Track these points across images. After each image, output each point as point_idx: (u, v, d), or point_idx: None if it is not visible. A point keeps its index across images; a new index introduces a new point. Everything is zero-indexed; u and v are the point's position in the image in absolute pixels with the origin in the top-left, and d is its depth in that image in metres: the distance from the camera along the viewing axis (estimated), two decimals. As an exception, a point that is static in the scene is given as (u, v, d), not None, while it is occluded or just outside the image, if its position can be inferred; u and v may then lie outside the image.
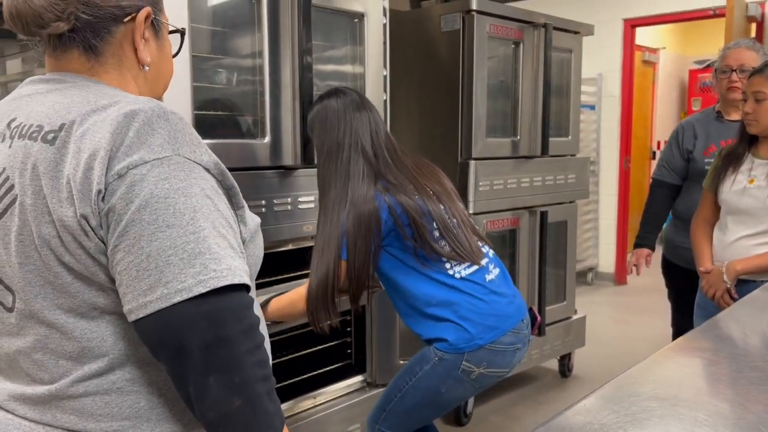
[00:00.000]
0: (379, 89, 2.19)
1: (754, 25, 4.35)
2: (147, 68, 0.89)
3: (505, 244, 2.87)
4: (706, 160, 2.39)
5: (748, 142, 2.01)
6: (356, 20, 2.12)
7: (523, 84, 2.79)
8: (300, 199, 1.92)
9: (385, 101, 2.24)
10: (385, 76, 2.23)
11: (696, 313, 2.10)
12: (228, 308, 0.76)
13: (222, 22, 1.83)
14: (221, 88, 1.86)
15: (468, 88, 2.57)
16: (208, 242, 0.75)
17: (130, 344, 0.81)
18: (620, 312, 4.59)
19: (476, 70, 2.55)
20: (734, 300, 1.85)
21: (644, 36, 5.97)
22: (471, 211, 2.60)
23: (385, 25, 2.21)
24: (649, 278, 2.66)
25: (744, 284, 1.90)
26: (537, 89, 2.83)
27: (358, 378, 2.26)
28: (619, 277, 5.32)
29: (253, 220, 0.90)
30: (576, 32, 3.05)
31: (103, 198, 0.74)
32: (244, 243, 0.85)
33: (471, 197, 2.60)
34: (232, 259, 0.77)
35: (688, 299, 2.20)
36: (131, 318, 0.76)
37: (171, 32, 0.95)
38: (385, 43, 2.22)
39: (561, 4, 4.24)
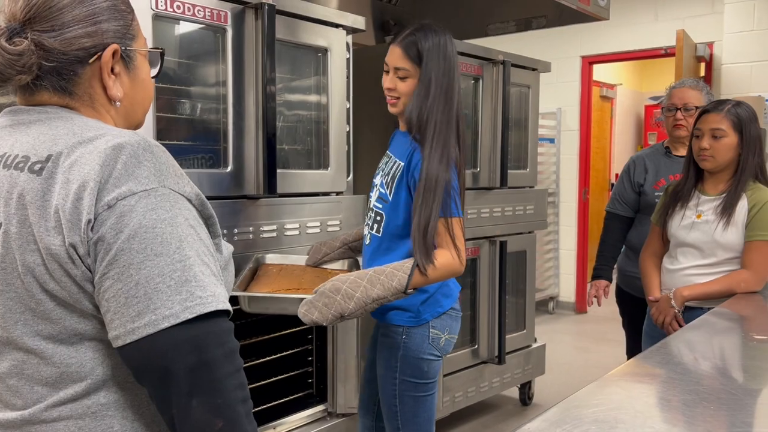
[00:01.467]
0: (342, 121, 2.24)
1: (703, 65, 4.57)
2: (118, 104, 0.90)
3: (466, 273, 2.91)
4: (656, 194, 2.49)
5: (694, 178, 2.11)
6: (320, 54, 2.18)
7: (483, 118, 2.88)
8: (262, 229, 1.94)
9: (348, 132, 2.29)
10: (348, 109, 2.28)
11: (644, 340, 2.17)
12: (212, 333, 0.79)
13: (187, 53, 1.87)
14: (184, 117, 1.89)
15: (429, 121, 2.64)
16: (194, 270, 0.79)
17: (109, 369, 0.83)
18: (581, 340, 4.67)
19: (437, 104, 2.62)
20: (681, 327, 1.92)
21: (602, 73, 6.20)
22: (432, 241, 2.64)
23: (348, 59, 2.27)
24: (609, 307, 2.73)
25: (690, 311, 1.97)
26: (496, 123, 2.91)
27: (320, 408, 2.26)
28: (580, 305, 5.42)
29: (227, 248, 0.93)
30: (533, 69, 3.16)
31: (92, 227, 0.77)
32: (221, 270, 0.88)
33: (432, 227, 2.64)
34: (215, 286, 0.81)
35: (640, 327, 2.27)
36: (118, 343, 0.78)
37: (150, 51, 0.95)
38: (348, 76, 2.28)
39: (522, 42, 4.39)
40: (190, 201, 0.83)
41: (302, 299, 1.46)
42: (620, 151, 6.86)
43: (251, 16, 1.92)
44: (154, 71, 0.96)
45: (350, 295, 1.43)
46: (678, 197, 2.10)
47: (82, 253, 0.77)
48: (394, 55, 1.61)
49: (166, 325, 0.76)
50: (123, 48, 0.88)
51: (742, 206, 1.97)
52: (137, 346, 0.77)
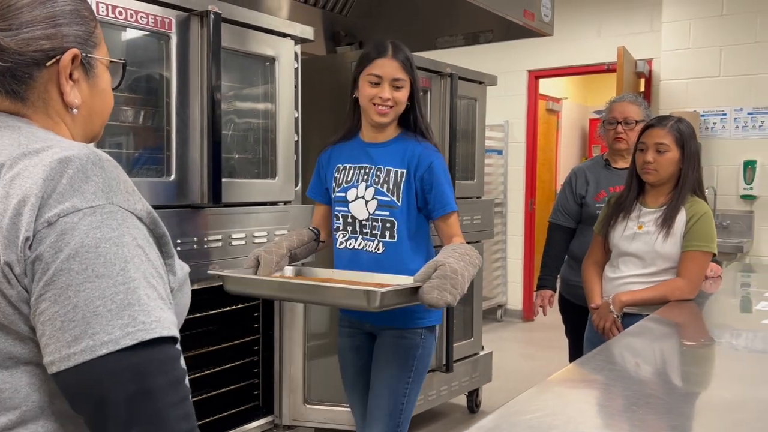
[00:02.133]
0: (290, 130, 2.24)
1: (643, 80, 4.74)
2: (75, 111, 0.86)
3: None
4: (597, 205, 2.57)
5: (636, 191, 2.17)
6: (268, 63, 2.17)
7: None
8: (207, 239, 1.91)
9: (297, 142, 2.28)
10: (296, 118, 2.28)
11: (585, 346, 2.23)
12: (154, 360, 0.74)
13: (130, 60, 1.83)
14: (126, 125, 1.85)
15: (378, 132, 2.66)
16: (138, 293, 0.74)
17: (46, 396, 0.77)
18: (527, 347, 4.76)
19: (386, 115, 2.65)
20: (620, 332, 1.98)
21: (548, 87, 6.36)
22: (381, 251, 2.66)
23: (296, 69, 2.27)
24: (555, 315, 2.80)
25: (630, 317, 2.04)
26: (444, 135, 2.96)
27: (266, 419, 2.24)
28: (527, 313, 5.53)
29: (182, 269, 0.88)
30: (480, 82, 3.23)
31: (31, 246, 0.72)
32: (172, 292, 0.83)
33: (381, 237, 2.66)
34: (161, 310, 0.76)
35: (583, 334, 2.33)
36: (52, 370, 0.72)
37: (112, 62, 0.92)
38: (296, 86, 2.28)
39: (471, 55, 4.46)
40: (140, 219, 0.78)
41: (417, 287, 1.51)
42: (566, 163, 7.05)
43: (196, 23, 1.90)
44: (115, 82, 0.93)
45: (465, 276, 1.54)
46: (620, 209, 2.17)
47: (18, 273, 0.72)
48: (391, 68, 1.74)
49: (104, 351, 0.71)
50: (84, 54, 0.85)
51: (681, 218, 2.04)
52: (73, 373, 0.71)
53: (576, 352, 2.65)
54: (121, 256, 0.74)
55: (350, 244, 1.80)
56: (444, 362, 3.01)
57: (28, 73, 0.81)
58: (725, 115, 4.30)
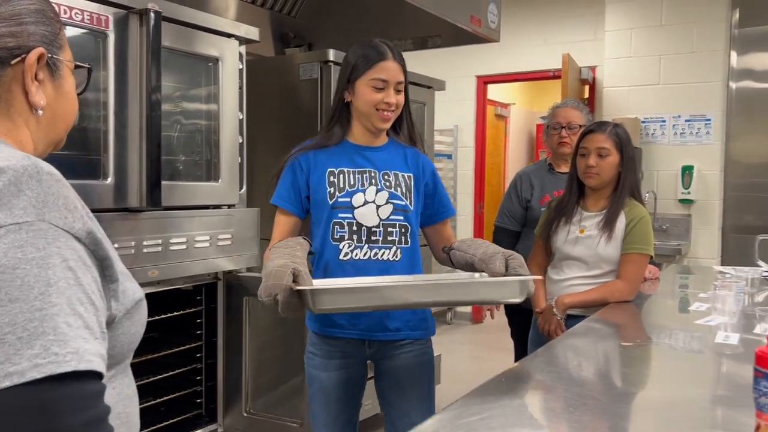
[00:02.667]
0: (234, 132, 2.19)
1: (587, 87, 4.86)
2: (40, 112, 0.82)
3: (363, 287, 2.93)
4: (542, 209, 2.61)
5: (577, 195, 2.22)
6: (211, 64, 2.13)
7: (380, 132, 2.91)
8: (145, 243, 1.85)
9: (241, 144, 2.24)
10: (241, 120, 2.23)
11: (529, 348, 2.26)
12: (66, 398, 0.66)
13: (64, 58, 1.76)
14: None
15: (325, 135, 2.64)
16: (56, 321, 0.66)
17: None
18: (477, 350, 4.81)
19: (333, 118, 2.63)
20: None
21: (497, 92, 6.46)
22: (328, 255, 2.63)
23: (241, 70, 2.23)
24: (503, 317, 2.83)
25: (574, 319, 2.07)
26: (392, 138, 2.96)
27: (210, 428, 2.19)
28: (476, 316, 5.59)
29: (134, 294, 0.82)
30: (429, 87, 3.24)
31: None
32: (115, 320, 0.78)
33: (328, 241, 2.63)
34: (83, 341, 0.68)
35: (527, 336, 2.36)
36: None
37: (77, 67, 0.89)
38: (241, 87, 2.24)
39: (421, 60, 4.48)
40: (78, 239, 0.72)
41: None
42: (514, 168, 7.15)
43: (135, 22, 1.84)
44: (80, 87, 0.91)
45: None
46: (562, 213, 2.20)
47: None
48: (396, 71, 1.65)
49: (7, 384, 0.63)
50: (50, 55, 0.82)
51: (621, 222, 2.10)
52: None
53: (521, 353, 2.68)
54: (43, 278, 0.67)
55: (356, 254, 1.63)
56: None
57: None
58: (664, 121, 4.45)
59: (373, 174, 1.68)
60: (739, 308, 1.76)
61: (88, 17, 1.74)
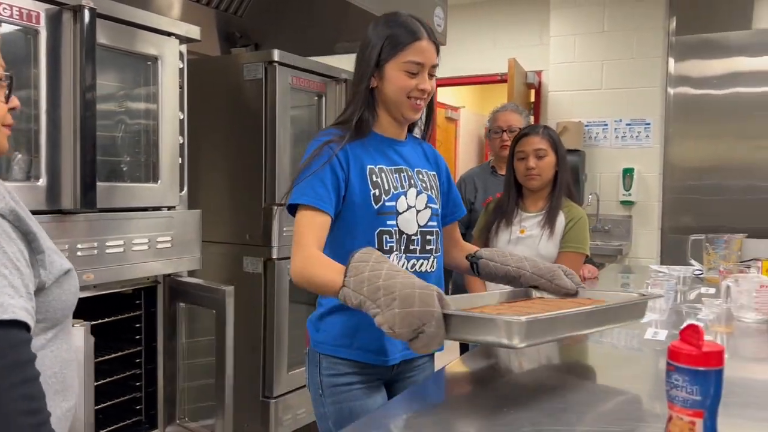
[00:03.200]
0: (175, 132, 2.15)
1: (533, 91, 4.97)
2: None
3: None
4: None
5: (515, 197, 2.27)
6: (150, 63, 2.08)
7: (326, 134, 2.91)
8: (79, 246, 1.80)
9: (182, 144, 2.20)
10: (181, 120, 2.20)
11: (471, 345, 2.29)
12: None
13: (-8, 55, 1.70)
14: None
15: (271, 136, 2.62)
16: None
17: None
18: (427, 351, 4.83)
19: (279, 119, 2.62)
20: None
21: (447, 95, 6.53)
22: (275, 256, 2.62)
23: (182, 69, 2.19)
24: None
25: None
26: (339, 139, 2.96)
27: (150, 435, 2.14)
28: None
29: (61, 266, 0.94)
30: (376, 88, 3.25)
31: None
32: (44, 286, 0.89)
33: (275, 242, 2.62)
34: (9, 297, 0.80)
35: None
36: None
37: None
38: (182, 87, 2.20)
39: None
40: (3, 216, 0.84)
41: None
42: (464, 170, 7.23)
43: (69, 18, 1.79)
44: (2, 95, 0.98)
45: None
46: (502, 215, 2.25)
47: None
48: (431, 53, 1.44)
49: None
50: None
51: (561, 221, 2.17)
52: None
53: (465, 348, 2.72)
54: None
55: (405, 268, 1.43)
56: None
57: None
58: (606, 125, 4.58)
59: (409, 173, 1.49)
60: (668, 306, 1.82)
61: (18, 13, 1.68)
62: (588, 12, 4.59)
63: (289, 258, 2.68)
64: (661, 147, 4.52)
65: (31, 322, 0.82)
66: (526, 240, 2.18)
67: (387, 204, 1.43)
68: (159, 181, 2.10)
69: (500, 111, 2.77)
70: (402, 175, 1.47)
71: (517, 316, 1.05)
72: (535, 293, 1.55)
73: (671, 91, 4.54)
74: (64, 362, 0.95)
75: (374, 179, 1.43)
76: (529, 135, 2.22)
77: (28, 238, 0.87)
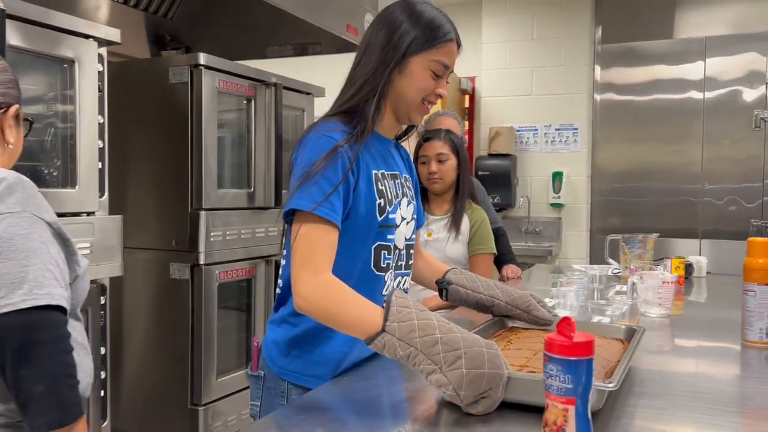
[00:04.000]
0: (94, 136, 2.11)
1: (467, 97, 5.07)
2: (10, 146, 1.24)
3: (242, 294, 2.90)
4: None
5: (421, 201, 2.32)
6: (66, 66, 2.04)
7: (257, 138, 2.90)
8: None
9: (102, 149, 2.16)
10: (101, 124, 2.16)
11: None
12: (42, 320, 1.07)
13: None
14: None
15: (197, 140, 2.60)
16: (36, 273, 1.07)
17: None
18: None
19: (205, 123, 2.60)
20: None
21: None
22: (202, 262, 2.59)
23: (101, 72, 2.15)
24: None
25: None
26: (270, 144, 2.95)
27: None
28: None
29: (85, 264, 1.22)
30: (308, 93, 3.27)
31: None
32: (76, 279, 1.17)
33: (202, 248, 2.59)
34: (54, 287, 1.07)
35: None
36: None
37: (25, 119, 1.30)
38: (101, 90, 2.16)
39: (311, 67, 4.49)
40: (49, 225, 1.12)
41: None
42: (405, 174, 7.31)
43: (-24, 18, 1.74)
44: (25, 131, 1.32)
45: None
46: None
47: None
48: (455, 57, 1.34)
49: (6, 310, 1.04)
50: (20, 110, 1.25)
51: (466, 223, 2.26)
52: None
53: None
54: (27, 247, 1.07)
55: (392, 286, 1.34)
56: (272, 373, 2.99)
57: None
58: (537, 130, 4.72)
59: (398, 179, 1.35)
60: (578, 303, 1.90)
61: None
62: (518, 20, 4.73)
63: (217, 263, 2.68)
64: (589, 151, 4.69)
65: (68, 308, 1.10)
66: (434, 243, 2.24)
67: (390, 216, 1.28)
68: (77, 187, 2.05)
69: (441, 115, 2.87)
70: (397, 182, 1.34)
71: (602, 383, 1.00)
72: (510, 323, 1.49)
73: (597, 97, 4.72)
74: (77, 345, 1.16)
75: (380, 187, 1.27)
76: (431, 140, 2.30)
77: (66, 243, 1.15)
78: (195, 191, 2.61)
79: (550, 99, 4.67)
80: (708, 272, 2.85)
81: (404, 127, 1.44)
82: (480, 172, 4.62)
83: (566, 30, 4.61)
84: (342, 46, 3.36)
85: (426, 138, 2.33)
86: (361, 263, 1.24)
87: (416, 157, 2.31)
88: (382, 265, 1.28)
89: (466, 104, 5.03)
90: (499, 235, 2.88)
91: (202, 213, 2.59)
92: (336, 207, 1.17)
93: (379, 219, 1.25)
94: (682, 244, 4.46)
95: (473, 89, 5.04)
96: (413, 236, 1.39)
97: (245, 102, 2.88)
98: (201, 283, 2.59)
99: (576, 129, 4.63)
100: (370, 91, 1.25)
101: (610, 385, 1.02)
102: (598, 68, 4.72)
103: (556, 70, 4.64)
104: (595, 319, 1.71)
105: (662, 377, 1.34)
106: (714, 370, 1.46)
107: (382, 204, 1.26)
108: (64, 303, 1.08)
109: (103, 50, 2.17)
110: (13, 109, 1.24)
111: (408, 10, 1.28)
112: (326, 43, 3.45)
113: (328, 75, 5.10)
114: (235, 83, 2.76)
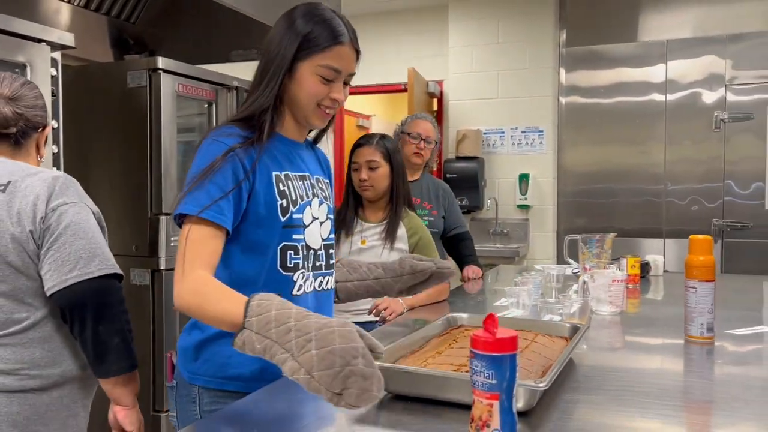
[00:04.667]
0: (48, 141, 2.09)
1: (435, 100, 5.10)
2: (42, 159, 1.58)
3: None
4: None
5: (354, 207, 2.28)
6: (17, 70, 2.02)
7: (218, 142, 2.89)
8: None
9: (56, 154, 2.14)
10: (55, 128, 2.13)
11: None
12: (112, 286, 1.42)
13: None
14: None
15: (157, 144, 2.59)
16: (103, 249, 1.43)
17: (43, 312, 1.43)
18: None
19: (164, 127, 2.59)
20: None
21: (358, 104, 6.60)
22: (163, 267, 2.58)
23: (54, 77, 2.13)
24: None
25: (371, 324, 2.07)
26: (232, 148, 2.94)
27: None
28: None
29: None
30: (272, 96, 3.26)
31: (43, 221, 1.39)
32: None
33: (162, 252, 2.58)
34: (113, 259, 1.44)
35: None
36: (53, 290, 1.37)
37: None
38: (55, 95, 2.14)
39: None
40: (94, 214, 1.47)
41: None
42: (377, 177, 7.32)
43: None
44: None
45: None
46: (343, 226, 2.24)
47: (36, 237, 1.38)
48: (351, 60, 1.32)
49: (86, 278, 1.37)
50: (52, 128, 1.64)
51: (402, 231, 2.21)
52: (67, 291, 1.37)
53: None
54: (90, 228, 1.43)
55: (309, 286, 1.32)
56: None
57: (29, 133, 1.52)
58: (503, 133, 4.77)
59: (311, 181, 1.36)
60: (531, 302, 1.93)
61: None
62: (483, 24, 4.78)
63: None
64: (555, 153, 4.75)
65: (123, 275, 1.48)
66: (368, 251, 2.19)
67: (294, 216, 1.28)
68: (29, 192, 2.02)
69: (420, 118, 2.85)
70: (306, 183, 1.34)
71: (534, 383, 1.02)
72: (458, 321, 1.52)
73: (563, 100, 4.79)
74: None
75: (281, 188, 1.27)
76: (363, 146, 2.24)
77: (103, 230, 1.49)
78: (155, 196, 2.60)
79: (515, 102, 4.72)
80: (665, 270, 2.90)
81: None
82: (448, 175, 4.65)
83: (531, 34, 4.67)
84: (306, 50, 3.36)
85: (358, 144, 2.27)
86: (267, 264, 1.25)
87: (350, 162, 2.28)
88: (289, 265, 1.28)
89: (435, 107, 5.06)
90: (463, 239, 2.90)
91: (163, 218, 2.58)
92: (224, 210, 1.17)
93: (283, 219, 1.26)
94: (646, 244, 4.53)
95: (441, 92, 5.07)
96: (332, 236, 1.41)
97: (206, 106, 2.87)
98: (162, 288, 2.58)
99: (542, 131, 4.68)
100: (266, 98, 1.25)
101: (541, 385, 1.03)
102: (562, 71, 4.78)
103: (522, 74, 4.70)
104: (546, 317, 1.74)
105: (604, 373, 1.36)
106: (656, 365, 1.49)
107: (285, 204, 1.27)
108: (120, 271, 1.46)
109: (57, 54, 2.15)
110: (49, 128, 1.57)
111: (301, 14, 1.28)
112: (290, 47, 3.44)
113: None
114: (195, 87, 2.75)
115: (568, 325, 1.48)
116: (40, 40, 2.07)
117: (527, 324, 1.49)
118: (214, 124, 2.88)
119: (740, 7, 4.36)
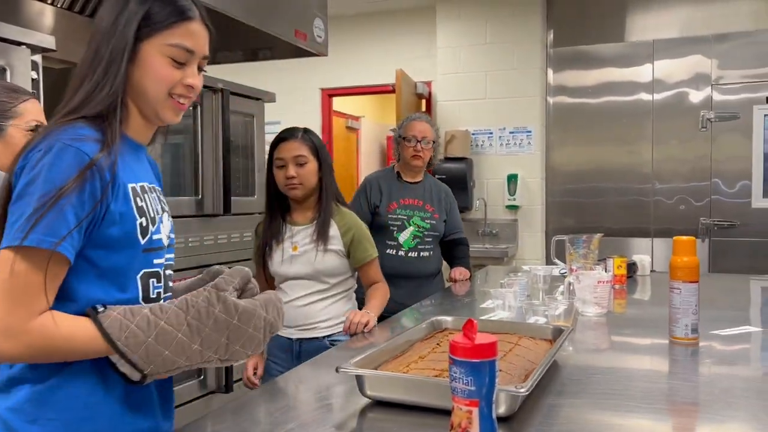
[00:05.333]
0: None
1: (424, 101, 5.10)
2: None
3: (192, 303, 2.86)
4: (389, 215, 2.69)
5: (280, 212, 2.07)
6: (-3, 73, 1.99)
7: (204, 145, 2.88)
8: None
9: (37, 159, 2.11)
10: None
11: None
12: None
13: None
14: None
15: (141, 148, 2.56)
16: None
17: None
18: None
19: (148, 130, 2.56)
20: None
21: (347, 105, 6.59)
22: (148, 271, 2.54)
23: (35, 80, 2.11)
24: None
25: (310, 342, 1.99)
26: (217, 150, 2.93)
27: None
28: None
29: None
30: (258, 98, 3.25)
31: None
32: None
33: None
34: None
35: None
36: None
37: None
38: (36, 98, 2.11)
39: (264, 73, 4.48)
40: None
41: None
42: (367, 178, 7.31)
43: None
44: None
45: None
46: (272, 234, 2.05)
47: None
48: (205, 40, 1.11)
49: None
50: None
51: (334, 230, 2.01)
52: None
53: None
54: None
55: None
56: (224, 382, 2.96)
57: None
58: (491, 133, 4.77)
59: (157, 193, 1.12)
60: (516, 304, 1.92)
61: None
62: (471, 25, 4.77)
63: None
64: (543, 153, 4.76)
65: None
66: (301, 257, 1.99)
67: (154, 237, 1.05)
68: (9, 197, 2.00)
69: (415, 120, 2.80)
70: (154, 195, 1.09)
71: (515, 388, 1.01)
72: (444, 324, 1.50)
73: (550, 100, 4.80)
74: None
75: (139, 204, 1.03)
76: (287, 140, 2.01)
77: None
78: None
79: (503, 102, 4.72)
80: (653, 270, 2.91)
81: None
82: (437, 176, 4.63)
83: (518, 34, 4.68)
84: (292, 52, 3.34)
85: (281, 138, 2.03)
86: (126, 299, 1.01)
87: (270, 161, 2.05)
88: (152, 296, 1.06)
89: (423, 108, 5.06)
90: (459, 244, 2.88)
91: (147, 221, 2.55)
92: (75, 240, 0.94)
93: (142, 242, 1.02)
94: (635, 243, 4.55)
95: (429, 93, 5.07)
96: (172, 256, 1.16)
97: (191, 108, 2.85)
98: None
99: (530, 132, 4.69)
100: (113, 89, 1.01)
101: (522, 390, 1.03)
102: (550, 71, 4.79)
103: (510, 74, 4.70)
104: (531, 319, 1.73)
105: (588, 375, 1.36)
106: (640, 366, 1.49)
107: (144, 223, 1.03)
108: None
109: (38, 57, 2.13)
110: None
111: None
112: (276, 49, 3.43)
113: (290, 81, 5.09)
114: (179, 90, 2.73)
115: (552, 327, 1.48)
116: (20, 43, 2.04)
117: (511, 327, 1.48)
118: (200, 126, 2.86)
119: (726, 7, 4.38)
